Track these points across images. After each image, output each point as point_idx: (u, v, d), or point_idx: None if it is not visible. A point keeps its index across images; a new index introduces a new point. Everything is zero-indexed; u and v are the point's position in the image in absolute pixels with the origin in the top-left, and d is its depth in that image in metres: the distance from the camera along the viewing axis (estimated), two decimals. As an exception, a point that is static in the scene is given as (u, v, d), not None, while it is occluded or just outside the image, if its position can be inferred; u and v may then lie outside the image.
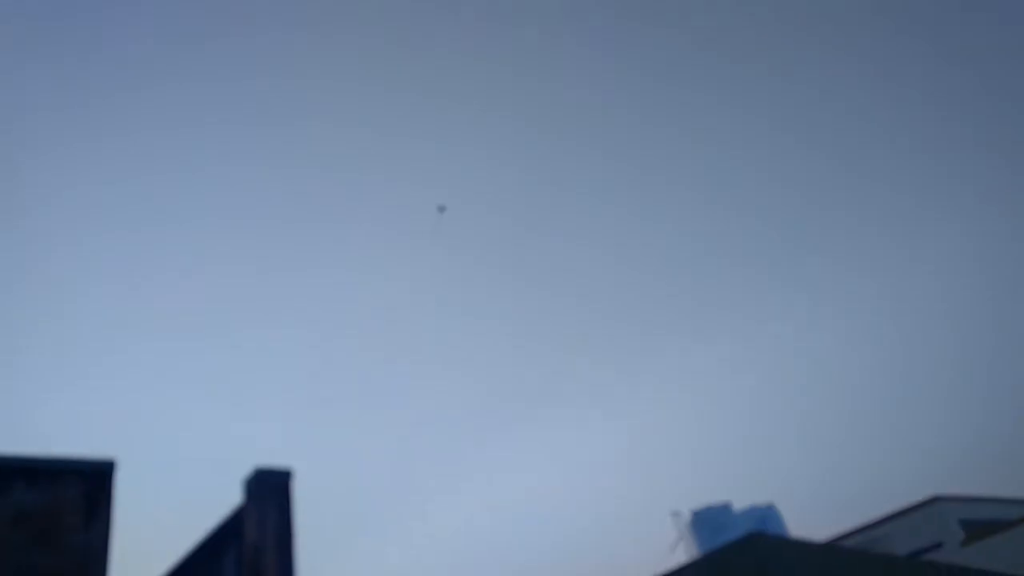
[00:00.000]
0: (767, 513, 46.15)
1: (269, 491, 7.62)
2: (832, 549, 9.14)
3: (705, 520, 46.57)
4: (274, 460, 7.89)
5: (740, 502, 48.62)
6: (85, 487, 7.27)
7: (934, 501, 25.62)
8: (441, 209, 36.64)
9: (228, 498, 8.05)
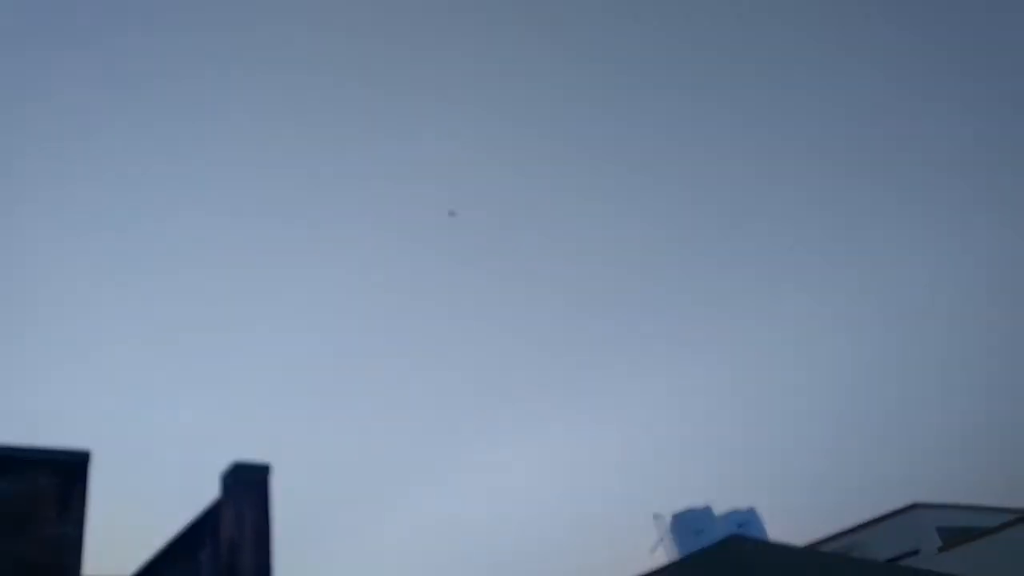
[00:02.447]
0: (747, 517, 46.31)
1: (247, 486, 7.56)
2: (811, 553, 9.18)
3: (685, 523, 46.68)
4: (252, 455, 7.83)
5: (722, 506, 49.16)
6: (60, 478, 7.19)
7: (913, 508, 25.79)
8: (452, 213, 36.82)
9: (205, 492, 7.98)
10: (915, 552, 24.35)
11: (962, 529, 24.83)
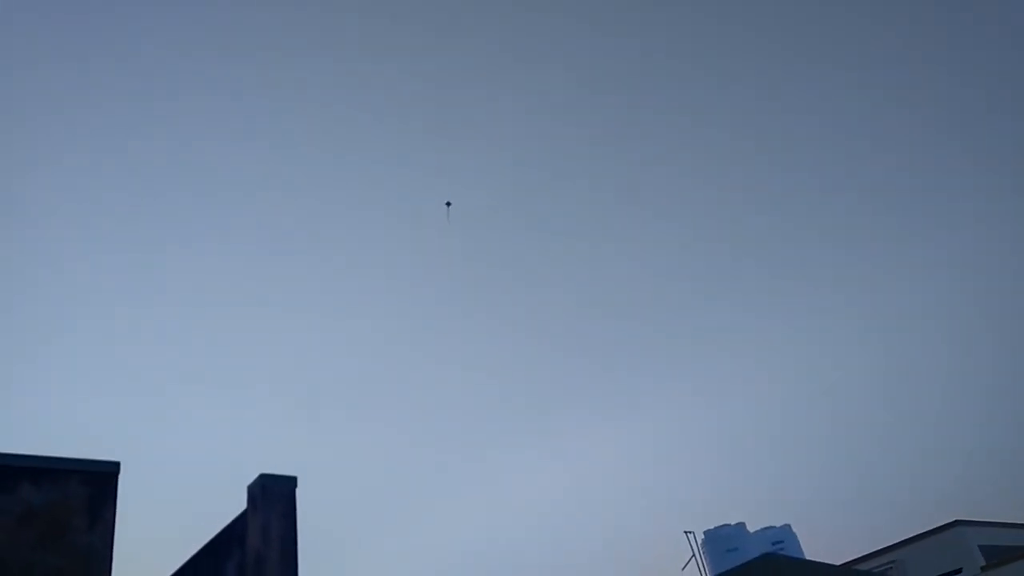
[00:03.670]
0: (782, 534, 45.49)
1: (273, 498, 7.53)
2: (848, 572, 8.92)
3: (718, 539, 45.97)
4: (279, 467, 7.81)
5: (756, 523, 48.34)
6: (89, 488, 7.21)
7: (954, 525, 25.21)
8: (447, 204, 37.22)
9: (232, 505, 7.98)
10: (958, 571, 23.77)
11: (1006, 548, 24.20)
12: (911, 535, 26.38)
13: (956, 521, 25.33)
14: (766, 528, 45.82)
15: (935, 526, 25.72)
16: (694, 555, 34.70)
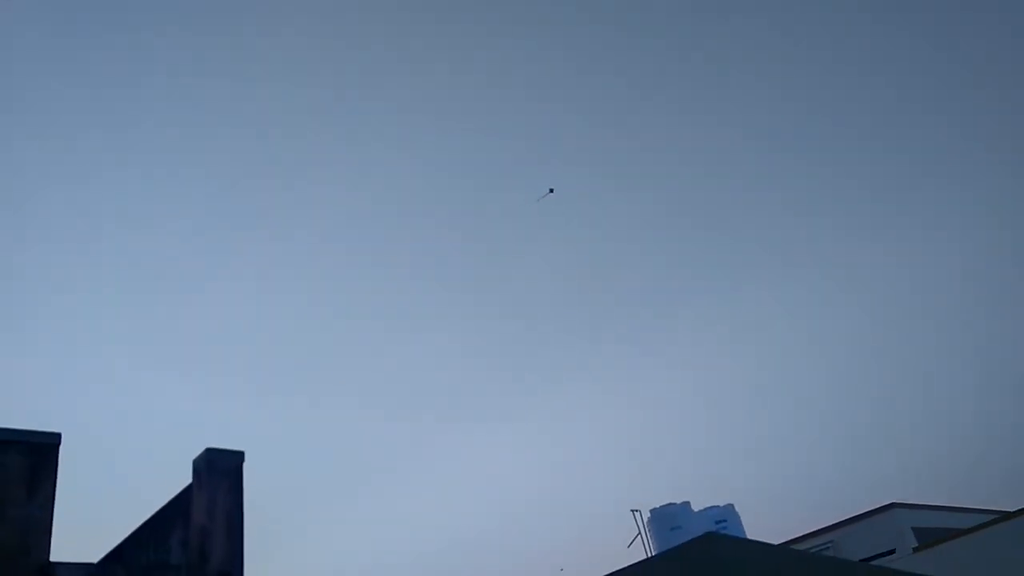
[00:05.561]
0: (725, 513, 46.61)
1: (219, 473, 7.49)
2: (785, 552, 9.20)
3: (663, 518, 46.91)
4: (225, 442, 7.75)
5: (701, 502, 49.63)
6: (28, 459, 7.07)
7: (891, 507, 26.05)
8: (551, 191, 36.71)
9: (176, 479, 7.90)
10: (891, 552, 24.58)
11: (938, 530, 25.11)
12: (849, 516, 27.24)
13: (892, 504, 26.18)
14: (710, 507, 46.90)
15: (872, 508, 26.59)
16: (640, 532, 35.26)
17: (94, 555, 8.47)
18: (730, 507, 47.05)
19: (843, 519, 27.16)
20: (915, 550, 24.16)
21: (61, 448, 7.16)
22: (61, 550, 6.87)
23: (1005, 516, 23.24)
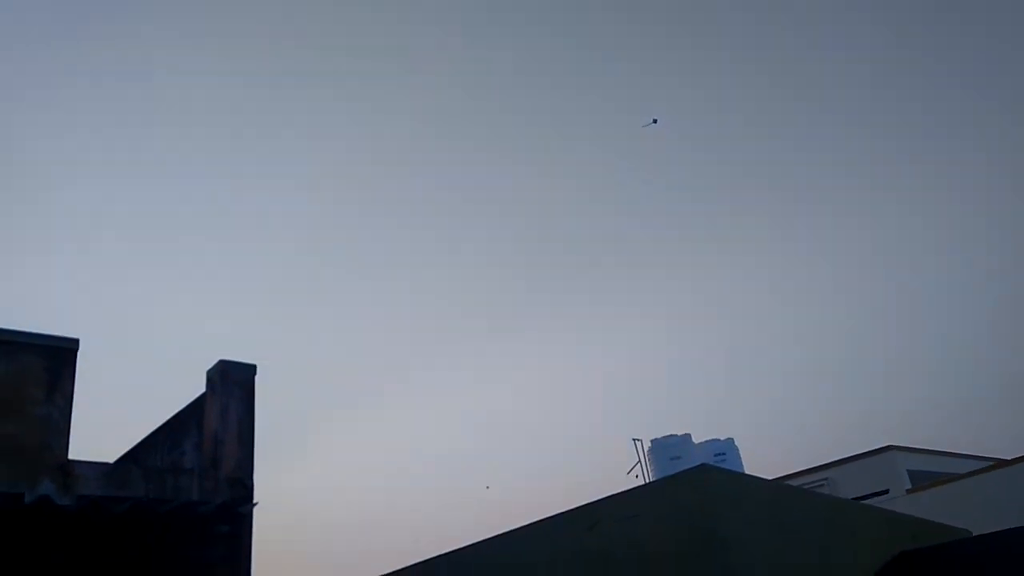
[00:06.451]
0: (725, 447, 47.46)
1: (232, 383, 7.73)
2: (777, 486, 9.47)
3: (664, 448, 47.84)
4: (239, 355, 7.97)
5: (703, 435, 50.76)
6: (48, 361, 7.30)
7: (887, 449, 26.42)
8: (654, 121, 36.55)
9: (191, 390, 8.16)
10: (884, 492, 25.06)
11: (932, 473, 25.53)
12: (846, 456, 27.67)
13: (889, 446, 26.55)
14: (711, 440, 47.78)
15: (870, 449, 26.98)
16: (640, 461, 36.03)
17: (111, 456, 8.82)
18: (730, 441, 47.78)
19: (840, 458, 27.59)
20: (908, 491, 24.62)
21: (79, 352, 7.39)
22: (79, 449, 7.14)
23: (999, 463, 23.60)
